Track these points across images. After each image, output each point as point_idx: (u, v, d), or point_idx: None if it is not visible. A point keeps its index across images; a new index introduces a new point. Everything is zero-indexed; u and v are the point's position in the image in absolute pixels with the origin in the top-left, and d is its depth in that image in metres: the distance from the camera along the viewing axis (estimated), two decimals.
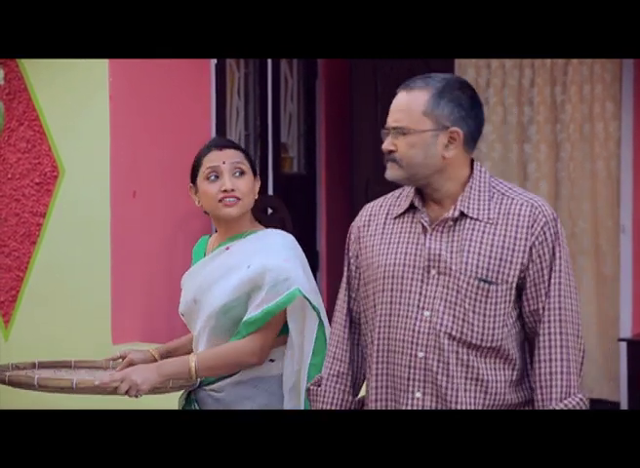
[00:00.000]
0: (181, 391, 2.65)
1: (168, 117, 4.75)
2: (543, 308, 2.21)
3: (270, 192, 5.54)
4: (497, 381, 2.21)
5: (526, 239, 2.21)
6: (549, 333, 2.20)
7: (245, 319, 2.53)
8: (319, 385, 2.37)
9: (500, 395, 2.21)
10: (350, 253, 2.38)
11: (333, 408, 2.35)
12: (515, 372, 2.23)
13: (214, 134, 5.04)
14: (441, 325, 2.20)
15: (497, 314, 2.20)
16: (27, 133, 4.70)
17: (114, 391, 2.41)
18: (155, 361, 2.68)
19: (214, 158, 2.62)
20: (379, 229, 2.33)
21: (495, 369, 2.21)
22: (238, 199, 2.60)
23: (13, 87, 4.72)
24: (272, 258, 2.54)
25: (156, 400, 3.04)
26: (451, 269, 2.21)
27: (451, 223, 2.24)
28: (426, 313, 2.22)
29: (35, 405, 4.07)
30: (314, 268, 5.65)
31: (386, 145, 2.26)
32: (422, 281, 2.23)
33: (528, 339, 2.27)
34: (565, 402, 2.16)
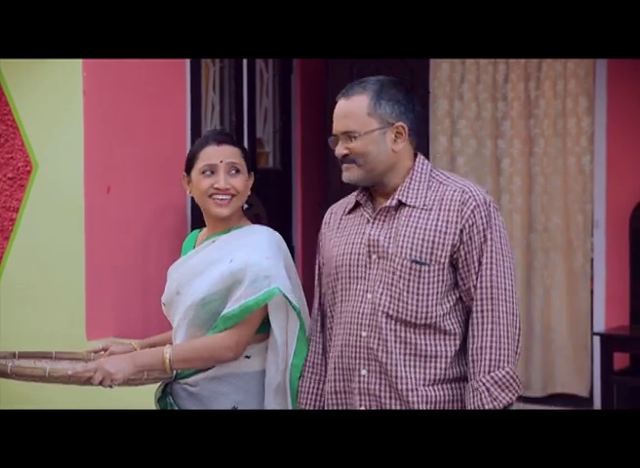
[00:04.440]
0: (157, 383, 2.64)
1: (143, 112, 4.73)
2: (475, 287, 2.33)
3: None
4: (436, 356, 2.33)
5: (456, 222, 2.33)
6: (480, 311, 2.32)
7: (223, 313, 2.54)
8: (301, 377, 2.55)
9: (441, 370, 2.33)
10: (319, 251, 2.58)
11: (309, 396, 2.51)
12: (456, 348, 2.34)
13: (189, 128, 5.03)
14: (379, 305, 2.36)
15: (430, 293, 2.34)
16: (0, 127, 4.66)
17: (88, 381, 2.39)
18: None
19: (211, 153, 2.62)
20: (335, 225, 2.53)
21: (434, 345, 2.34)
22: (233, 196, 2.62)
23: None
24: (255, 255, 2.55)
25: (139, 397, 3.03)
26: (388, 253, 2.37)
27: (393, 212, 2.40)
28: (369, 295, 2.38)
29: (31, 405, 4.06)
30: None
31: (340, 150, 2.43)
32: (366, 266, 2.40)
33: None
34: (492, 374, 2.27)
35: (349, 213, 2.51)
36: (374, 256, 2.39)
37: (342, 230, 2.50)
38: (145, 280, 4.69)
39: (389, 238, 2.38)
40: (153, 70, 4.72)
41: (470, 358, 2.31)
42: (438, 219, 2.35)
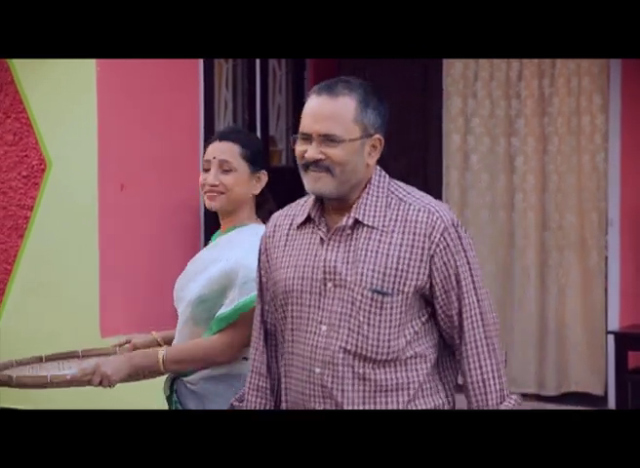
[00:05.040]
0: (157, 377, 2.67)
1: (156, 110, 4.74)
2: (460, 315, 2.15)
3: None
4: (398, 389, 2.14)
5: (423, 248, 2.12)
6: (475, 341, 2.15)
7: (217, 315, 2.56)
8: (242, 401, 2.33)
9: (404, 403, 2.15)
10: (260, 265, 2.33)
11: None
12: (422, 377, 2.17)
13: (202, 126, 5.03)
14: (336, 339, 2.13)
15: (391, 326, 2.13)
16: (14, 125, 4.68)
17: (89, 383, 2.49)
18: (159, 345, 2.76)
19: (210, 150, 2.67)
20: (282, 240, 2.26)
21: (396, 377, 2.14)
22: (221, 193, 2.63)
23: None
24: (249, 255, 2.53)
25: (139, 397, 3.04)
26: (346, 281, 2.13)
27: (348, 231, 2.16)
28: (324, 327, 2.15)
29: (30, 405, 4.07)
30: None
31: (314, 154, 2.15)
32: (321, 294, 2.16)
33: (446, 346, 2.21)
34: (502, 406, 2.16)
35: (298, 227, 2.24)
36: (329, 285, 2.14)
37: (291, 248, 2.23)
38: (159, 277, 4.70)
39: (347, 263, 2.13)
40: (166, 68, 4.72)
41: (472, 392, 2.16)
42: (402, 244, 2.12)
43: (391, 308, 2.12)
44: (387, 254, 2.12)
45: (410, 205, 2.15)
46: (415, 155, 5.95)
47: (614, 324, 5.40)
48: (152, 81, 4.71)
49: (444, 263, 2.13)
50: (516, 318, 5.72)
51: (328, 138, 2.13)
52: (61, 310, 4.57)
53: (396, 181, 2.22)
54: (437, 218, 2.13)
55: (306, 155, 2.16)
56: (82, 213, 4.51)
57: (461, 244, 2.15)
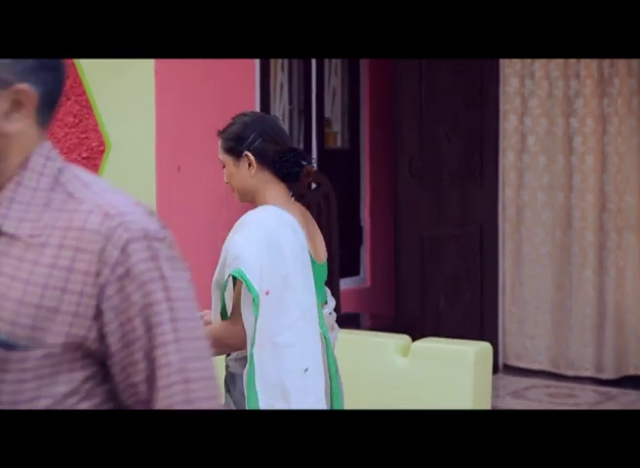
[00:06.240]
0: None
1: (213, 92, 4.77)
2: (151, 383, 1.32)
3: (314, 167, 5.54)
4: None
5: (87, 273, 1.31)
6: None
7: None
8: None
9: None
10: None
11: None
12: None
13: (258, 108, 5.05)
14: None
15: (20, 400, 1.32)
16: (74, 107, 4.75)
17: None
18: None
19: None
20: None
21: None
22: (233, 189, 2.76)
23: None
24: (235, 236, 2.60)
25: None
26: None
27: None
28: None
29: None
30: (357, 243, 5.65)
31: None
32: None
33: None
34: None
35: None
36: None
37: None
38: (214, 259, 4.75)
39: None
40: None
41: None
42: (54, 266, 1.31)
43: (22, 371, 1.31)
44: (27, 282, 1.31)
45: (82, 203, 1.34)
46: (471, 137, 5.92)
47: None
48: (209, 64, 4.74)
49: (124, 299, 1.32)
50: (574, 300, 5.67)
51: None
52: None
53: (77, 169, 1.41)
54: (117, 225, 1.32)
55: None
56: (141, 193, 4.56)
57: (159, 268, 1.35)
